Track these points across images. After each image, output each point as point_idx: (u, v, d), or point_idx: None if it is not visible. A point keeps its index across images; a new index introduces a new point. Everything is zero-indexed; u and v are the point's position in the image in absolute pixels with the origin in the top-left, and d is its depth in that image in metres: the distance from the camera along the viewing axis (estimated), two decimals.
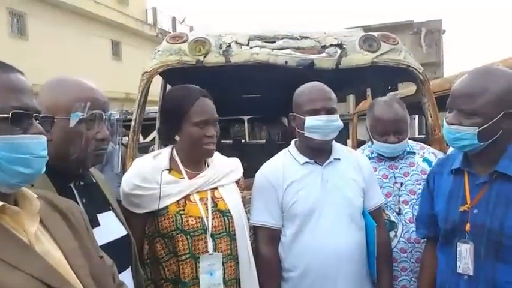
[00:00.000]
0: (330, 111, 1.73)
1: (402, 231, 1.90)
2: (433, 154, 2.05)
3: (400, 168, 1.99)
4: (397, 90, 5.58)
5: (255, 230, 1.75)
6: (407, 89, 5.88)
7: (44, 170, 0.91)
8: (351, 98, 9.33)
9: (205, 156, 1.65)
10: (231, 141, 7.28)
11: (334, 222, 1.70)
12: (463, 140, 1.38)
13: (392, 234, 1.90)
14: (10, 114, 0.84)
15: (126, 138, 5.34)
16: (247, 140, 8.19)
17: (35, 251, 0.86)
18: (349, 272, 1.70)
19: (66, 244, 0.94)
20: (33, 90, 0.92)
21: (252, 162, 3.34)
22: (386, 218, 1.91)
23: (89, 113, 1.21)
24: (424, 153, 2.05)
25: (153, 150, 2.83)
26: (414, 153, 2.03)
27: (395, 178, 1.97)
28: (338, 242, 1.68)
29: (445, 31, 21.99)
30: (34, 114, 0.89)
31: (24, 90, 0.89)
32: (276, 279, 1.74)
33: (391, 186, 1.96)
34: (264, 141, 7.72)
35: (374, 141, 2.00)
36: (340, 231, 1.70)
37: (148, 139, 7.06)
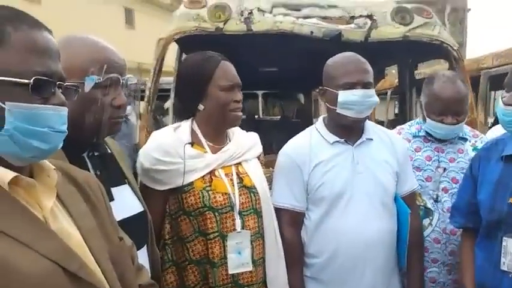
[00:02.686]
0: (367, 85, 1.58)
1: (438, 221, 1.78)
2: None
3: (447, 153, 1.84)
4: (417, 69, 5.35)
5: (277, 212, 1.64)
6: (430, 68, 5.66)
7: (61, 145, 0.80)
8: None
9: (233, 123, 1.54)
10: (245, 117, 7.15)
11: (364, 208, 1.58)
12: None
13: (426, 222, 1.78)
14: (31, 81, 0.73)
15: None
16: (260, 115, 8.06)
17: (50, 229, 0.77)
18: (378, 261, 1.59)
19: (84, 223, 0.84)
20: (59, 53, 0.80)
21: (266, 139, 3.22)
22: (422, 204, 1.79)
23: (106, 77, 1.09)
24: (476, 141, 1.87)
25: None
26: (466, 139, 1.87)
27: (439, 162, 1.82)
28: (368, 229, 1.57)
29: (470, 10, 21.28)
30: (58, 82, 0.78)
31: (50, 53, 0.78)
32: (299, 264, 1.64)
33: (432, 170, 1.81)
34: (279, 117, 7.59)
35: (428, 120, 1.81)
36: (371, 217, 1.59)
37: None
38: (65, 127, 0.79)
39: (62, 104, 0.78)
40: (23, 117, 0.73)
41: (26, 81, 0.73)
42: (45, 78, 0.75)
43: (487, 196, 1.38)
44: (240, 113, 1.52)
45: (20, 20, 0.76)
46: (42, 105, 0.75)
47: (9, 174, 0.73)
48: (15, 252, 0.69)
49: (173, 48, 2.71)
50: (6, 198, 0.73)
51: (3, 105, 0.72)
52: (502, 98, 1.29)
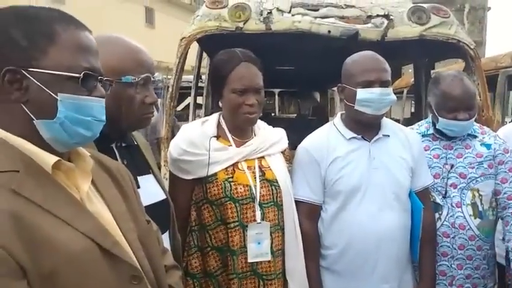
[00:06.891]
0: (385, 83, 1.63)
1: (447, 215, 1.82)
2: (493, 138, 1.91)
3: (455, 149, 1.87)
4: (434, 69, 5.32)
5: (295, 205, 1.70)
6: (447, 67, 5.61)
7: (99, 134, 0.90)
8: None
9: (246, 125, 1.60)
10: (261, 114, 7.21)
11: (379, 202, 1.63)
12: None
13: (435, 216, 1.82)
14: (81, 75, 0.83)
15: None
16: (277, 113, 8.10)
17: (87, 209, 0.85)
18: (391, 254, 1.64)
19: (115, 206, 0.93)
20: (98, 51, 0.90)
21: None
22: (431, 199, 1.83)
23: (140, 77, 1.18)
24: (483, 137, 1.91)
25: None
26: (475, 136, 1.90)
27: (446, 159, 1.86)
28: (382, 223, 1.62)
29: (490, 8, 20.81)
30: (98, 77, 0.88)
31: (93, 51, 0.88)
32: (316, 255, 1.70)
33: (440, 167, 1.85)
34: (295, 115, 7.63)
35: (440, 119, 1.83)
36: (385, 211, 1.63)
37: (180, 108, 7.09)
38: (104, 117, 0.88)
39: (102, 96, 0.88)
40: (72, 107, 0.82)
41: (77, 75, 0.82)
42: (91, 72, 0.84)
43: None
44: (253, 115, 1.54)
45: (67, 21, 0.85)
46: (89, 97, 0.85)
47: (53, 159, 0.83)
48: (58, 229, 0.78)
49: (193, 47, 2.79)
50: (50, 180, 0.82)
51: (56, 96, 0.81)
52: None
